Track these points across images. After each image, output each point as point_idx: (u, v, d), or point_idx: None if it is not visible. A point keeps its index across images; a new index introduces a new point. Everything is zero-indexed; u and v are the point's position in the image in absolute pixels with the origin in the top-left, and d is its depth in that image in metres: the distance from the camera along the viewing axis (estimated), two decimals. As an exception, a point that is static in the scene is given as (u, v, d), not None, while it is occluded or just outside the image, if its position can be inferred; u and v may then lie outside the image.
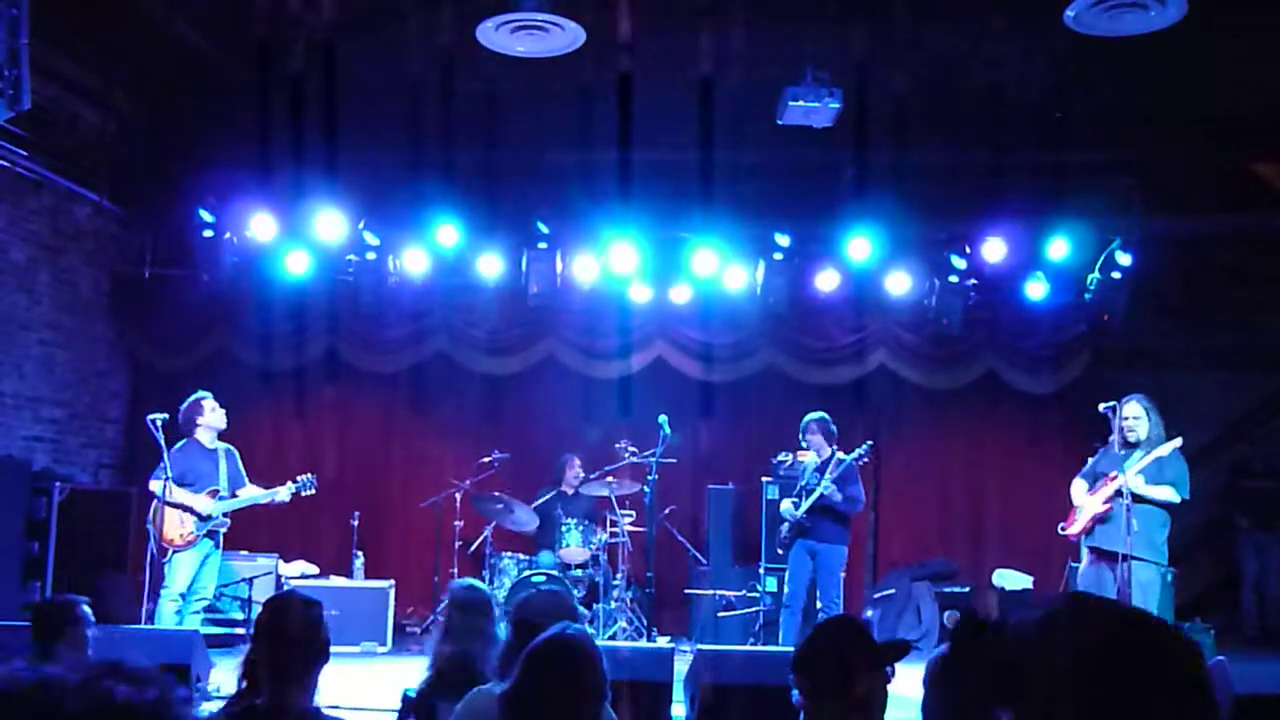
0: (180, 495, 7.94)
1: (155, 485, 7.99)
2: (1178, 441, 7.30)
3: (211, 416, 8.27)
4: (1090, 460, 7.77)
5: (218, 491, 8.13)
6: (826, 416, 8.71)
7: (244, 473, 8.41)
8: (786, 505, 8.75)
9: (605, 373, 10.98)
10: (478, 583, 4.83)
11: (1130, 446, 7.38)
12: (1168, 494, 7.20)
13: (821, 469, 8.54)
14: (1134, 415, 7.40)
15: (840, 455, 8.55)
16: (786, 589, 8.74)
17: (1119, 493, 7.25)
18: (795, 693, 3.07)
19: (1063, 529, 7.68)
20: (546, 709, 2.87)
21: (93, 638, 4.76)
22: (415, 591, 10.62)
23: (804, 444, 8.73)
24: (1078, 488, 7.63)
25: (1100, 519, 7.40)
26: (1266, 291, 11.12)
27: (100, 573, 9.52)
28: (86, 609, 4.82)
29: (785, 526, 8.70)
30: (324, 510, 10.56)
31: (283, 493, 8.37)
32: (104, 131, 10.45)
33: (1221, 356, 11.28)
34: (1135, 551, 7.15)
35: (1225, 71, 9.17)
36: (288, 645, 3.35)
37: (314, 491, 8.55)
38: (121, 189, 10.61)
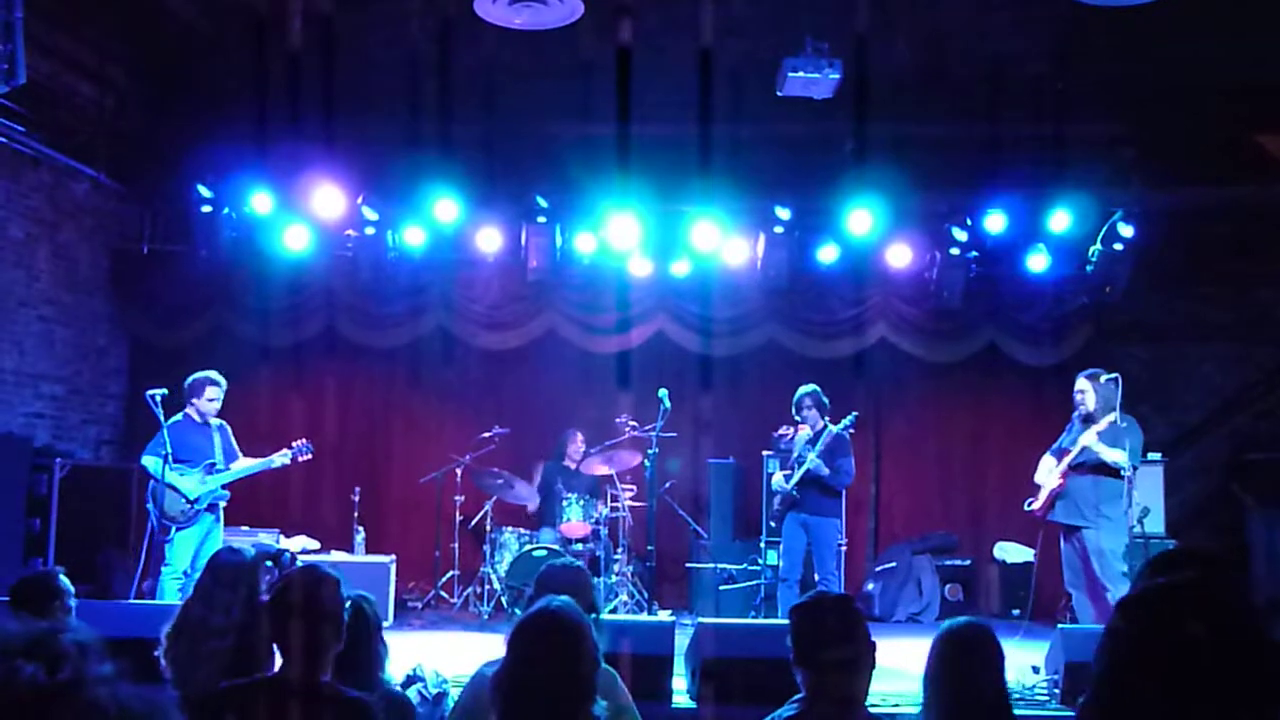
0: (170, 476, 7.83)
1: (148, 461, 7.94)
2: (1113, 416, 7.56)
3: (208, 405, 8.15)
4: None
5: (214, 465, 8.07)
6: (817, 389, 8.69)
7: (236, 446, 8.36)
8: (779, 478, 8.78)
9: (605, 347, 10.95)
10: (246, 549, 4.53)
11: (1088, 422, 7.69)
12: (1118, 457, 7.47)
13: (813, 442, 8.54)
14: (1077, 389, 7.78)
15: (832, 428, 8.56)
16: (782, 562, 8.75)
17: (1073, 467, 7.62)
18: (797, 672, 3.18)
19: (1028, 506, 7.91)
20: (535, 682, 2.86)
21: (74, 609, 4.63)
22: (416, 566, 10.64)
23: (799, 418, 8.72)
24: (1044, 465, 7.82)
25: (1058, 494, 7.75)
26: (1269, 263, 11.07)
27: (102, 549, 9.55)
28: (65, 580, 4.66)
29: (777, 499, 8.72)
30: (325, 485, 10.59)
31: (279, 459, 8.37)
32: (102, 107, 10.41)
33: (1224, 328, 11.24)
34: (1087, 523, 7.56)
35: (1227, 41, 9.11)
36: (312, 620, 3.31)
37: (310, 456, 8.56)
38: (120, 165, 10.58)
